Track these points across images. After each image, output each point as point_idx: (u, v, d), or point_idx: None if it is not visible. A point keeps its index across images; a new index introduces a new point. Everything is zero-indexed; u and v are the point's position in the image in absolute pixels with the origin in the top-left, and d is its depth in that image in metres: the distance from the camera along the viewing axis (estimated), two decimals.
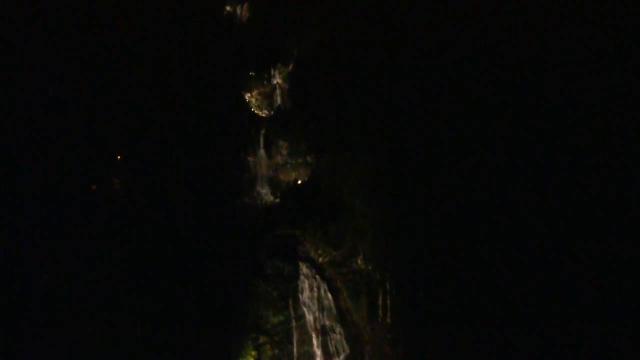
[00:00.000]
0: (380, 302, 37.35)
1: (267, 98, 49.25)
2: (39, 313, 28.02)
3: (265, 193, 45.43)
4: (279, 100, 48.65)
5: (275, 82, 49.31)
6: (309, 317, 39.09)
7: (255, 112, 48.66)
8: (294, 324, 38.70)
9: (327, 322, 39.12)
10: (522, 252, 33.57)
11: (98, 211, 34.75)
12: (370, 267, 38.41)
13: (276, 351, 37.98)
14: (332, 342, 38.71)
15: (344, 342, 38.73)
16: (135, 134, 38.74)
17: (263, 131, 45.98)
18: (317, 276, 39.72)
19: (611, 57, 32.94)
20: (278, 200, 44.97)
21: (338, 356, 38.47)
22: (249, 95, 49.00)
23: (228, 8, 52.01)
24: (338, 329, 38.92)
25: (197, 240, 37.40)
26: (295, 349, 38.33)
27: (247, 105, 48.75)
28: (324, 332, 38.85)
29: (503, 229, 34.38)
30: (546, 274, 32.06)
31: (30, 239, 29.87)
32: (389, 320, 37.23)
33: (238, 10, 52.04)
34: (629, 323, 28.06)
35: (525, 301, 32.57)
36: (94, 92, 36.26)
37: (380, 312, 37.37)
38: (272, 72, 49.55)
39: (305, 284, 39.46)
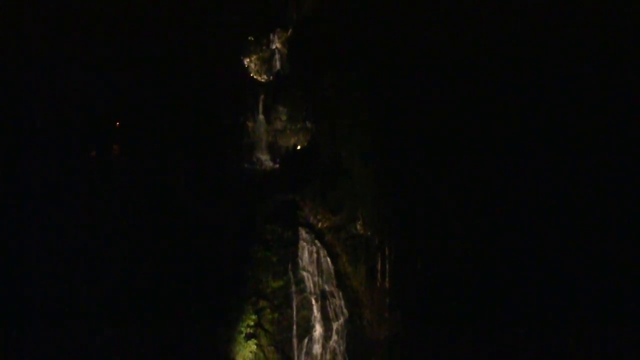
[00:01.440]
0: (379, 267, 37.52)
1: (266, 63, 48.77)
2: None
3: (264, 159, 45.34)
4: (278, 65, 48.18)
5: (274, 46, 48.78)
6: (309, 282, 39.28)
7: (254, 77, 48.23)
8: (293, 288, 38.83)
9: (327, 287, 39.37)
10: (521, 219, 33.67)
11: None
12: (369, 233, 38.44)
13: (276, 315, 38.18)
14: (331, 307, 38.99)
15: (343, 306, 39.01)
16: (133, 100, 38.40)
17: (262, 96, 45.58)
18: (316, 241, 39.82)
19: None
20: (277, 165, 44.90)
21: (337, 320, 38.78)
22: (247, 60, 48.50)
23: None
24: (337, 294, 39.18)
25: (195, 207, 37.37)
26: (294, 313, 38.51)
27: (245, 71, 48.29)
28: (323, 297, 39.09)
29: (503, 194, 34.42)
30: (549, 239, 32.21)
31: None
32: (387, 286, 37.47)
33: None
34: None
35: (524, 269, 32.76)
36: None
37: (379, 277, 37.56)
38: (271, 37, 48.98)
39: (304, 249, 39.55)
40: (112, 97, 36.74)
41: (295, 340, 38.20)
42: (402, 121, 38.25)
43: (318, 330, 38.61)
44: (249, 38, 48.47)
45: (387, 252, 37.32)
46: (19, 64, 33.65)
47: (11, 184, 30.48)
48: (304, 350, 38.31)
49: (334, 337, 38.50)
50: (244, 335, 36.96)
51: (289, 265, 39.10)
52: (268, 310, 38.19)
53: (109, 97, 36.60)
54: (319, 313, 38.79)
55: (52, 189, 31.53)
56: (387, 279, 37.28)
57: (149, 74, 38.68)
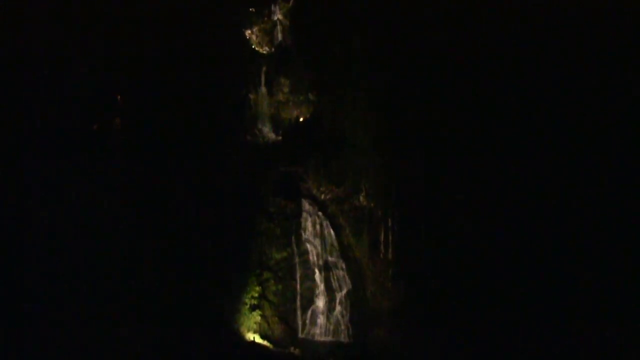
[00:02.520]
0: (382, 238, 37.72)
1: (268, 34, 48.12)
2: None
3: (267, 131, 45.04)
4: (279, 36, 47.58)
5: (275, 18, 48.11)
6: (312, 254, 39.54)
7: (256, 49, 47.73)
8: (297, 260, 39.18)
9: (330, 259, 39.61)
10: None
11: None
12: (372, 204, 38.57)
13: (280, 287, 38.58)
14: (335, 278, 39.23)
15: (346, 278, 39.28)
16: (134, 72, 38.09)
17: (264, 68, 45.19)
18: (319, 213, 39.99)
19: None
20: (280, 138, 44.58)
21: (340, 291, 39.02)
22: (249, 32, 47.88)
23: None
24: (340, 265, 39.41)
25: (199, 180, 37.32)
26: (298, 285, 38.93)
27: (247, 42, 47.81)
28: (326, 268, 39.35)
29: (507, 164, 34.33)
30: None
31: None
32: (390, 257, 37.71)
33: None
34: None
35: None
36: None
37: (382, 248, 37.79)
38: (272, 8, 48.32)
39: (307, 220, 39.78)
40: (114, 69, 36.46)
41: (299, 311, 38.63)
42: (406, 92, 37.96)
43: (321, 301, 38.92)
44: (250, 9, 47.83)
45: (390, 224, 37.44)
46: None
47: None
48: (308, 320, 38.70)
49: (338, 307, 38.78)
50: (248, 306, 37.33)
51: (293, 237, 39.41)
52: (272, 281, 38.55)
53: (110, 66, 36.33)
54: (323, 284, 39.07)
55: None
56: (390, 250, 37.46)
57: (150, 47, 38.31)
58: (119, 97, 38.67)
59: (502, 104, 35.33)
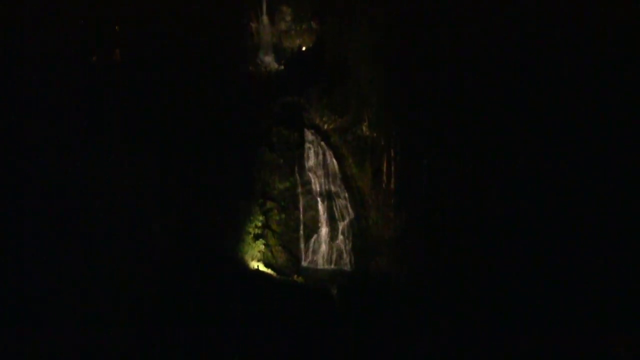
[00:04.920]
0: (384, 168, 37.38)
1: None
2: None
3: (269, 60, 44.60)
4: None
5: None
6: (315, 184, 39.81)
7: None
8: (300, 189, 39.46)
9: (333, 188, 39.84)
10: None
11: None
12: (375, 134, 38.19)
13: (283, 216, 38.95)
14: (337, 207, 39.55)
15: (349, 207, 39.56)
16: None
17: None
18: (322, 143, 39.96)
19: None
20: (282, 67, 44.23)
21: (343, 221, 39.40)
22: None
23: None
24: (343, 195, 39.64)
25: (199, 112, 36.95)
26: (301, 214, 39.35)
27: None
28: (329, 198, 39.63)
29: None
30: None
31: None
32: (392, 187, 37.42)
33: None
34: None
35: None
36: None
37: (384, 178, 37.51)
38: None
39: (310, 150, 39.82)
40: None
41: (302, 240, 39.21)
42: (410, 19, 36.93)
43: (324, 230, 39.37)
44: None
45: (392, 154, 36.99)
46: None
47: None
48: (311, 249, 39.32)
49: (340, 236, 39.28)
50: (252, 235, 37.81)
51: (295, 167, 39.51)
52: (275, 211, 38.91)
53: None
54: (325, 214, 39.45)
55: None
56: (392, 180, 37.17)
57: None
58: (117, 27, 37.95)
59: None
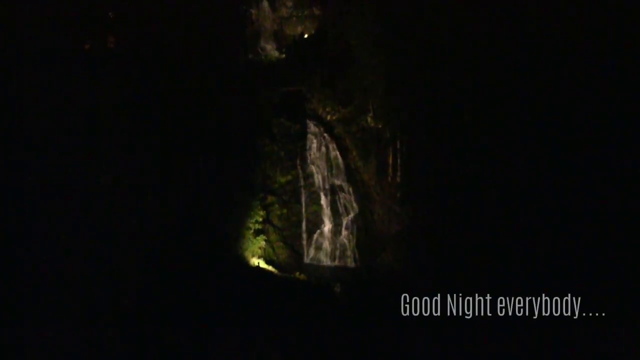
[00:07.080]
0: (390, 161, 36.53)
1: None
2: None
3: (270, 48, 44.03)
4: None
5: None
6: (317, 177, 39.01)
7: None
8: (302, 183, 38.69)
9: (336, 182, 39.01)
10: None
11: None
12: (380, 125, 37.19)
13: (284, 211, 38.24)
14: (341, 202, 38.82)
15: (353, 201, 38.79)
16: None
17: None
18: (325, 134, 39.08)
19: None
20: (283, 55, 43.35)
21: (347, 215, 38.64)
22: None
23: None
24: (347, 189, 38.89)
25: (198, 101, 36.11)
26: (303, 209, 38.56)
27: None
28: (332, 192, 38.84)
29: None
30: None
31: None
32: (398, 180, 36.59)
33: None
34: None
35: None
36: None
37: (389, 171, 36.66)
38: None
39: (313, 142, 38.98)
40: None
41: (304, 236, 38.40)
42: (415, 5, 35.92)
43: (327, 225, 38.57)
44: None
45: (398, 146, 36.10)
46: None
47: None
48: (313, 245, 38.54)
49: (344, 232, 38.50)
50: (252, 231, 36.92)
51: (297, 160, 38.69)
52: (276, 205, 38.19)
53: None
54: (329, 208, 38.69)
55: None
56: (398, 173, 36.34)
57: None
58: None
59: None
